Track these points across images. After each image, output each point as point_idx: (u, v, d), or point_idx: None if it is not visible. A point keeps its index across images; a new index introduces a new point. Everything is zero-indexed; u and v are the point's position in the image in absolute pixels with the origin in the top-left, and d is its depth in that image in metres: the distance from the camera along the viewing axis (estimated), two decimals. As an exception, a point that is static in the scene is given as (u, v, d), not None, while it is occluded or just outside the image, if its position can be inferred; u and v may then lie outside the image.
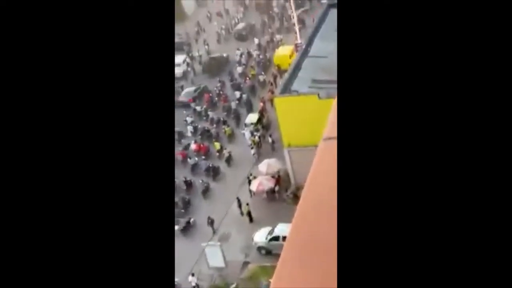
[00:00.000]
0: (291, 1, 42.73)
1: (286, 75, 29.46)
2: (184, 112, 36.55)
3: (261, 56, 43.17)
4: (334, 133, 2.48)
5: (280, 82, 30.60)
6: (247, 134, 32.67)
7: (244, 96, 37.71)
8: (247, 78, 40.31)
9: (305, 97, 26.48)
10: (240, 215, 27.21)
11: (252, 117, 33.98)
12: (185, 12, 55.83)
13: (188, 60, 45.18)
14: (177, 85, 40.70)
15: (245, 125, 33.71)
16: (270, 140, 31.25)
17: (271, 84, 37.40)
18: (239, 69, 42.27)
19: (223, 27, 50.12)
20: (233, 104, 37.23)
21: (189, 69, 44.20)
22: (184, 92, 40.06)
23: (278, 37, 45.32)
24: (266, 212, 27.03)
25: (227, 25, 50.74)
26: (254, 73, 40.70)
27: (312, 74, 28.74)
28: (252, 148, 31.48)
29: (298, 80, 28.38)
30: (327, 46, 29.46)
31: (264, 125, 33.50)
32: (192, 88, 40.32)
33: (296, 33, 40.71)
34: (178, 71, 43.28)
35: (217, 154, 32.86)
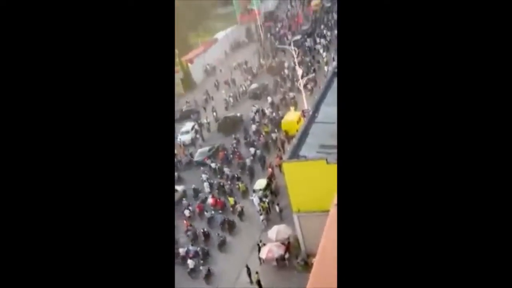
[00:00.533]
0: (297, 68, 43.72)
1: (294, 141, 29.63)
2: (200, 169, 37.96)
3: (274, 114, 44.03)
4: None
5: (288, 147, 30.76)
6: (255, 200, 32.40)
7: (258, 152, 38.39)
8: (261, 135, 41.13)
9: (313, 162, 26.45)
10: (249, 284, 26.50)
11: (261, 183, 33.84)
12: (194, 81, 57.29)
13: (196, 127, 45.96)
14: (187, 152, 41.97)
15: (254, 191, 33.51)
16: (277, 209, 31.11)
17: (279, 149, 37.56)
18: (254, 127, 43.21)
19: (231, 95, 51.11)
20: (248, 161, 37.87)
21: (197, 136, 44.90)
22: (198, 153, 40.95)
23: (291, 94, 46.39)
24: (276, 280, 26.33)
25: (235, 93, 51.86)
26: (268, 131, 41.46)
27: (319, 140, 28.89)
28: (261, 214, 31.15)
29: (306, 146, 28.51)
30: (333, 112, 29.73)
31: (273, 190, 33.31)
32: (206, 148, 41.03)
33: (303, 99, 41.35)
34: (187, 138, 43.83)
35: (231, 209, 33.34)
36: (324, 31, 62.41)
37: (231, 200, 33.94)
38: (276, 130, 41.07)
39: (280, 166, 32.65)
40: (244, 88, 52.56)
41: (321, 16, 69.20)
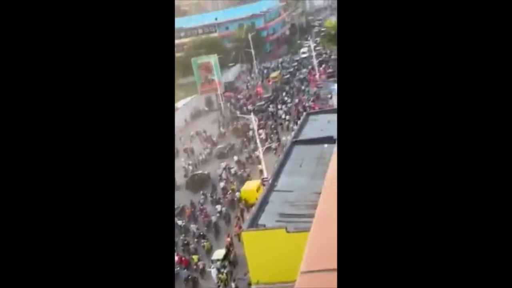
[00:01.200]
0: (257, 139, 44.31)
1: (253, 209, 29.40)
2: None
3: (239, 173, 45.23)
4: (311, 267, 2.37)
5: (247, 216, 30.46)
6: (213, 272, 31.59)
7: (224, 209, 38.94)
8: (228, 193, 41.66)
9: (273, 231, 26.19)
10: None
11: (219, 253, 33.16)
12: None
13: None
14: None
15: (212, 261, 32.76)
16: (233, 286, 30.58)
17: (238, 218, 37.20)
18: (221, 184, 43.92)
19: (190, 163, 51.55)
20: (214, 218, 38.22)
21: None
22: None
23: (256, 153, 47.42)
24: None
25: (194, 161, 52.53)
26: (234, 188, 42.08)
27: (279, 209, 28.80)
28: (219, 286, 30.27)
29: (266, 214, 28.31)
30: (292, 181, 30.00)
31: (231, 261, 32.62)
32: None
33: (263, 168, 41.60)
34: None
35: (195, 266, 33.22)
36: (286, 98, 64.22)
37: (195, 258, 33.79)
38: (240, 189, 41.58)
39: (239, 235, 32.20)
40: (203, 157, 52.72)
41: (281, 85, 71.36)
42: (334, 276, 1.95)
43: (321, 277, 2.10)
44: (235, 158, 49.15)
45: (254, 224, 27.36)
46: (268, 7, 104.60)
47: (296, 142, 36.09)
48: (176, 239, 36.03)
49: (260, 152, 43.06)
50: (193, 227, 37.87)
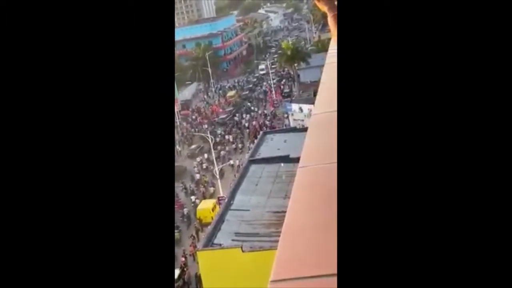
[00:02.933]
0: (214, 158, 44.46)
1: (209, 228, 29.30)
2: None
3: (211, 167, 48.64)
4: (279, 276, 2.41)
5: (203, 235, 30.30)
6: None
7: (198, 201, 42.60)
8: (201, 186, 47.12)
9: (228, 250, 26.18)
10: None
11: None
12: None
13: None
14: None
15: None
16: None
17: (194, 237, 36.96)
18: (197, 176, 50.03)
19: None
20: (185, 210, 41.30)
21: None
22: None
23: (223, 152, 52.55)
24: None
25: None
26: (207, 180, 47.11)
27: (235, 227, 28.81)
28: None
29: (221, 233, 28.26)
30: (249, 199, 30.11)
31: (185, 281, 32.31)
32: None
33: (218, 187, 41.67)
34: None
35: None
36: (244, 117, 64.82)
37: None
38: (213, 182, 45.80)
39: (194, 254, 31.95)
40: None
41: (239, 103, 71.99)
42: (305, 284, 1.99)
43: (291, 285, 2.10)
44: (206, 155, 52.24)
45: (209, 243, 27.25)
46: (225, 27, 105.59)
47: (252, 161, 36.33)
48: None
49: (216, 172, 43.13)
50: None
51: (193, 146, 58.00)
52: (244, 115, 66.42)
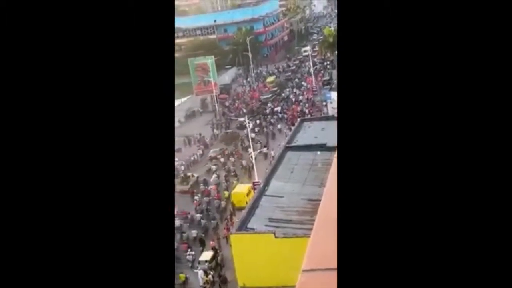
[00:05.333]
0: (250, 142, 44.38)
1: (243, 213, 29.43)
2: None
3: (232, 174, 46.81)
4: (311, 265, 2.40)
5: (237, 219, 30.52)
6: (200, 273, 31.62)
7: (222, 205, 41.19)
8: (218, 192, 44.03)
9: (261, 235, 26.20)
10: None
11: (207, 254, 33.20)
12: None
13: None
14: None
15: (199, 262, 32.78)
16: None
17: (227, 221, 37.24)
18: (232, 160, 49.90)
19: (183, 163, 51.88)
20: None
21: None
22: None
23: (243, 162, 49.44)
24: None
25: (187, 161, 53.26)
26: (225, 193, 43.88)
27: (269, 213, 28.82)
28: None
29: (255, 218, 28.34)
30: (283, 186, 30.06)
31: (218, 262, 32.67)
32: None
33: (254, 172, 41.69)
34: None
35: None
36: (281, 104, 64.39)
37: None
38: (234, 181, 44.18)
39: (227, 237, 32.22)
40: (195, 157, 52.77)
41: (277, 90, 71.54)
42: (334, 275, 1.98)
43: (322, 276, 2.12)
44: (227, 161, 50.09)
45: (243, 227, 27.38)
46: (267, 12, 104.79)
47: (289, 148, 36.18)
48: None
49: (252, 157, 43.14)
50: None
51: (214, 149, 56.35)
52: (282, 102, 66.15)
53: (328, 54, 77.74)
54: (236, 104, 69.86)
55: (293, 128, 42.17)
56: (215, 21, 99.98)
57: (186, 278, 32.05)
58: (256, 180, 39.18)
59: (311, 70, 73.15)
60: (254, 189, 36.03)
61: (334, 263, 1.96)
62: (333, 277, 2.09)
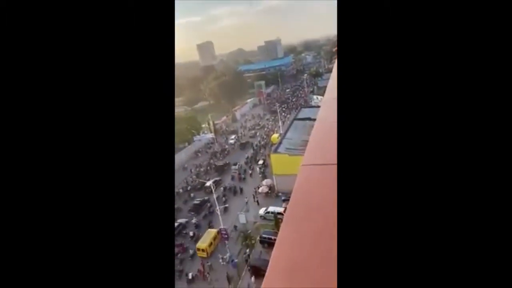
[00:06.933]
0: (278, 114, 42.95)
1: (276, 145, 29.75)
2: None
3: (264, 140, 40.95)
4: (310, 161, 1.52)
5: (273, 148, 30.21)
6: (257, 168, 32.04)
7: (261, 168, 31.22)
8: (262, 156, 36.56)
9: (284, 155, 25.82)
10: (253, 202, 26.07)
11: (259, 162, 33.29)
12: (236, 118, 57.86)
13: (236, 138, 43.91)
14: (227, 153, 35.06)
15: (258, 165, 32.96)
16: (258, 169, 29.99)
17: (269, 149, 35.88)
18: (258, 144, 39.70)
19: (249, 126, 48.88)
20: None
21: (236, 143, 42.37)
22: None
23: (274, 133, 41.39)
24: (264, 201, 25.90)
25: (252, 125, 49.10)
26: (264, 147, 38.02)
27: (287, 146, 28.02)
28: (260, 174, 30.77)
29: (281, 148, 28.41)
30: (299, 137, 28.86)
31: (266, 165, 32.56)
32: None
33: (279, 126, 39.31)
34: (232, 141, 41.67)
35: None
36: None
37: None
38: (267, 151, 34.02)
39: (269, 156, 31.64)
40: (259, 125, 49.35)
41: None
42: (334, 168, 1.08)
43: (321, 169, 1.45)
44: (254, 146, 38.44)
45: (276, 152, 27.38)
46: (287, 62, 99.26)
47: (295, 119, 35.33)
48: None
49: (279, 121, 41.97)
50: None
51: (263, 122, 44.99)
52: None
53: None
54: (274, 102, 67.23)
55: (296, 111, 41.08)
56: (265, 65, 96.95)
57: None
58: (281, 132, 36.65)
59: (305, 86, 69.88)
60: (281, 135, 33.77)
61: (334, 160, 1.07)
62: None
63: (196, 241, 20.08)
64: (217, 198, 24.01)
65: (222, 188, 27.02)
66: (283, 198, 25.17)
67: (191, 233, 21.21)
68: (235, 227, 22.31)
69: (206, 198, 24.45)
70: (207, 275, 16.76)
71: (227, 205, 23.88)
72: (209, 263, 17.98)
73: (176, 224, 21.35)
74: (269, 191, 27.11)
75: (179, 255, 18.59)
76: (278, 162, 26.31)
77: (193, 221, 22.64)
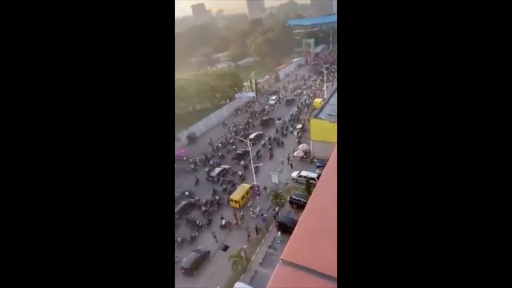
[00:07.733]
0: (324, 76, 40.55)
1: (316, 111, 28.70)
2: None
3: (307, 101, 40.21)
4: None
5: (313, 113, 29.90)
6: (295, 132, 31.83)
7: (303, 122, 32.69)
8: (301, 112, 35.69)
9: (323, 121, 25.45)
10: (287, 165, 26.44)
11: (298, 126, 32.73)
12: (279, 78, 56.07)
13: (277, 99, 43.47)
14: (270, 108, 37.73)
15: (295, 129, 32.61)
16: (295, 133, 29.84)
17: (310, 114, 36.02)
18: (300, 105, 38.10)
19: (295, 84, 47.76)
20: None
21: (277, 103, 42.12)
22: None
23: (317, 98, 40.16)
24: (299, 166, 26.10)
25: (297, 85, 47.72)
26: (306, 111, 37.07)
27: (328, 112, 27.61)
28: (297, 138, 30.71)
29: (322, 114, 27.52)
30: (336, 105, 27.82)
31: (304, 130, 32.27)
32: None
33: (324, 91, 38.66)
34: (272, 102, 41.66)
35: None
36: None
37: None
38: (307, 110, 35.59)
39: (309, 120, 31.69)
40: (299, 90, 46.48)
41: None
42: None
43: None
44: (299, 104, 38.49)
45: (316, 117, 26.70)
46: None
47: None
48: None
49: (324, 85, 39.95)
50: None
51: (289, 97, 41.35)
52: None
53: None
54: (321, 62, 63.11)
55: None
56: (317, 21, 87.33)
57: None
58: (325, 96, 36.44)
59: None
60: (323, 100, 33.79)
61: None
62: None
63: (243, 180, 23.52)
64: (258, 150, 27.03)
65: (266, 138, 29.08)
66: (317, 164, 25.08)
67: (239, 173, 24.58)
68: (265, 188, 22.12)
69: (248, 149, 24.97)
70: (240, 223, 18.95)
71: (260, 164, 25.37)
72: (241, 213, 19.82)
73: (220, 169, 24.81)
74: (304, 156, 27.04)
75: (228, 187, 22.57)
76: (318, 127, 25.68)
77: (241, 163, 25.76)
